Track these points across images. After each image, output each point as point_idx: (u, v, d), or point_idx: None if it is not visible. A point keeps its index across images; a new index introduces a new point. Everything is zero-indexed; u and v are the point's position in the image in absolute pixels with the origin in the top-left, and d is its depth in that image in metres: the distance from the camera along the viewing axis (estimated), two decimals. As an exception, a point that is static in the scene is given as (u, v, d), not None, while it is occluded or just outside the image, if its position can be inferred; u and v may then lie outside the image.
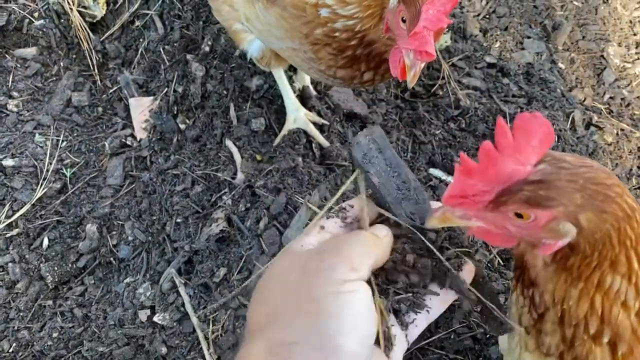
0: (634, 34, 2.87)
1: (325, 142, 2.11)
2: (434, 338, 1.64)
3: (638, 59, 2.84)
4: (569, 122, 2.39)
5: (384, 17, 1.43)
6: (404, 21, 1.35)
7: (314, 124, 2.13)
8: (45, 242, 2.08)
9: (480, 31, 2.67)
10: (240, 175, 1.94)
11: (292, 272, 0.86)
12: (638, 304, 0.85)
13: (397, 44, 1.42)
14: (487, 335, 1.62)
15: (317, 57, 1.59)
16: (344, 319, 0.78)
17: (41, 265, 2.02)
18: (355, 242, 0.88)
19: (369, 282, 0.86)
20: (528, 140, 0.78)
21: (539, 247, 0.86)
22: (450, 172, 2.16)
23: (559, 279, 0.87)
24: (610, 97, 2.71)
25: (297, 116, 2.10)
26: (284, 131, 2.09)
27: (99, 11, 2.43)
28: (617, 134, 2.48)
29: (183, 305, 1.82)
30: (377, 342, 0.87)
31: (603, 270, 0.83)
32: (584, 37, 2.88)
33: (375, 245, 0.90)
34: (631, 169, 2.40)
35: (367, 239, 0.89)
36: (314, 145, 2.12)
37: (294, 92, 2.17)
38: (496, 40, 2.63)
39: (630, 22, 2.90)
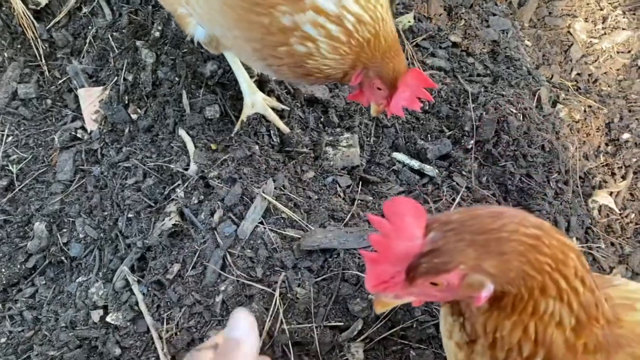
0: (600, 9, 2.82)
1: (285, 128, 2.03)
2: (396, 328, 1.58)
3: (605, 34, 2.80)
4: (535, 100, 2.33)
5: (355, 68, 1.51)
6: (379, 89, 1.54)
7: (274, 109, 2.05)
8: (-8, 243, 1.98)
9: (444, 10, 2.59)
10: (193, 166, 1.85)
11: None
12: (574, 319, 0.88)
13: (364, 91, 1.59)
14: (450, 323, 1.57)
15: (271, 63, 1.57)
16: None
17: (-12, 267, 1.92)
18: None
19: None
20: (403, 221, 0.84)
21: (472, 301, 0.90)
22: (413, 155, 2.10)
23: (491, 315, 0.91)
24: (578, 74, 2.67)
25: (255, 100, 2.01)
26: (243, 117, 2.00)
27: (43, -2, 2.30)
28: (585, 110, 2.44)
29: (137, 304, 1.73)
30: None
31: (535, 298, 0.86)
32: (550, 13, 2.83)
33: None
34: (599, 146, 2.36)
35: None
36: (272, 132, 2.04)
37: (251, 76, 2.08)
38: (461, 19, 2.56)
39: (597, -4, 2.85)
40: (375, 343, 1.57)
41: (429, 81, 1.52)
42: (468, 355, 0.98)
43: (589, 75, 2.66)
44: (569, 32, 2.79)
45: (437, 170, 2.02)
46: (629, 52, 2.75)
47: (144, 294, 1.74)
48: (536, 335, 0.88)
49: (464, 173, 2.01)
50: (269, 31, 1.45)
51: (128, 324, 1.73)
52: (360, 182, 2.00)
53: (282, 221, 1.72)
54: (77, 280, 1.88)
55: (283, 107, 2.09)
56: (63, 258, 1.94)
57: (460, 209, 0.89)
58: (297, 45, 1.46)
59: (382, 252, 0.86)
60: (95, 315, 1.78)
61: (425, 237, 0.83)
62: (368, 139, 2.14)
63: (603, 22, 2.82)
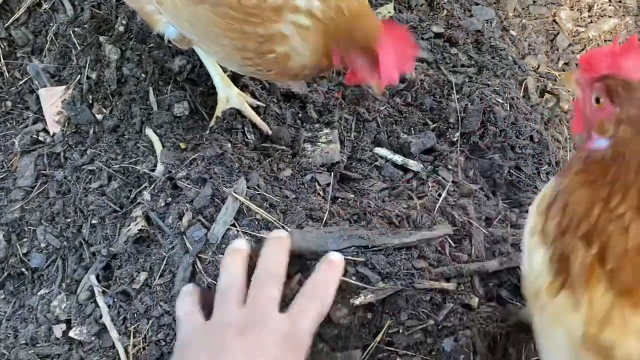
0: (586, -4, 2.75)
1: (263, 125, 1.93)
2: (381, 334, 1.47)
3: (591, 22, 2.73)
4: (522, 90, 2.24)
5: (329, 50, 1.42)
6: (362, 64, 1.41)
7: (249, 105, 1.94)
8: (-54, 255, 1.84)
9: (425, 0, 2.50)
10: (160, 167, 1.73)
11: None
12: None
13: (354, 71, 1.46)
14: (439, 327, 1.45)
15: (261, 69, 1.52)
16: None
17: (-59, 282, 1.78)
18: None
19: None
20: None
21: (589, 139, 0.97)
22: (397, 150, 1.99)
23: (579, 175, 0.94)
24: (565, 63, 2.59)
25: (230, 95, 1.90)
26: (218, 112, 1.89)
27: (1, -6, 2.17)
28: (573, 100, 2.35)
29: (101, 317, 1.60)
30: None
31: (615, 189, 0.86)
32: (534, 2, 2.75)
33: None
34: (589, 137, 2.27)
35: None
36: (246, 128, 1.92)
37: (225, 70, 1.96)
38: (443, 9, 2.47)
39: (582, -17, 2.77)
40: (360, 350, 1.46)
41: (407, 35, 1.39)
42: (544, 223, 1.00)
43: (576, 64, 2.58)
44: (554, 21, 2.71)
45: (421, 165, 1.92)
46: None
47: (109, 305, 1.61)
48: (598, 219, 0.88)
49: (449, 167, 1.91)
50: (264, 40, 1.41)
51: (93, 338, 1.60)
52: (341, 179, 1.89)
53: (257, 223, 1.60)
54: (38, 293, 1.75)
55: (258, 103, 1.98)
56: (23, 269, 1.80)
57: None
58: (279, 48, 1.42)
59: (616, 53, 0.94)
60: (58, 330, 1.65)
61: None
62: (348, 134, 2.03)
63: (589, 11, 2.75)
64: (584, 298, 0.89)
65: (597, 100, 0.94)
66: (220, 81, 1.90)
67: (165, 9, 1.52)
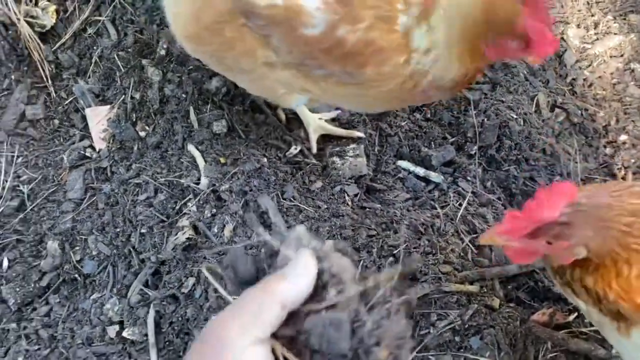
0: (592, 15, 2.89)
1: (354, 134, 2.14)
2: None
3: (597, 39, 2.86)
4: (534, 105, 2.39)
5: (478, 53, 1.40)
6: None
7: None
8: (5, 262, 1.99)
9: (441, 20, 2.65)
10: (204, 180, 1.88)
11: (198, 340, 0.78)
12: None
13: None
14: (466, 326, 1.60)
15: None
16: None
17: (2, 287, 1.93)
18: (254, 297, 0.75)
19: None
20: (553, 200, 1.15)
21: (561, 260, 1.22)
22: (418, 163, 2.14)
23: (575, 268, 1.21)
24: (573, 79, 2.73)
25: (318, 125, 2.11)
26: (314, 142, 2.10)
27: (49, 20, 2.33)
28: (582, 114, 2.49)
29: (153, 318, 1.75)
30: None
31: (618, 267, 1.14)
32: (543, 20, 2.89)
33: (270, 294, 0.75)
34: (598, 148, 2.41)
35: (270, 287, 0.76)
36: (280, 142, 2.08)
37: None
38: (457, 28, 2.62)
39: (587, 3, 2.92)
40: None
41: (544, 7, 1.30)
42: (572, 289, 1.25)
43: (584, 79, 2.72)
44: (562, 38, 2.85)
45: (442, 177, 2.06)
46: (622, 56, 2.81)
47: (157, 310, 1.76)
48: (619, 287, 1.15)
49: (468, 178, 2.05)
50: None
51: (144, 338, 1.75)
52: (367, 191, 2.04)
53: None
54: (91, 297, 1.90)
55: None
56: (77, 275, 1.95)
57: (588, 189, 1.26)
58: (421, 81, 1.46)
59: (528, 214, 1.16)
60: (112, 331, 1.80)
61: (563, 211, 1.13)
62: (373, 148, 2.18)
63: (595, 28, 2.89)
64: None
65: (548, 242, 1.16)
66: (308, 116, 2.10)
67: (314, 93, 1.65)
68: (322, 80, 1.54)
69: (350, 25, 1.39)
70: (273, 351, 0.75)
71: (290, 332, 0.78)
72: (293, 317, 0.78)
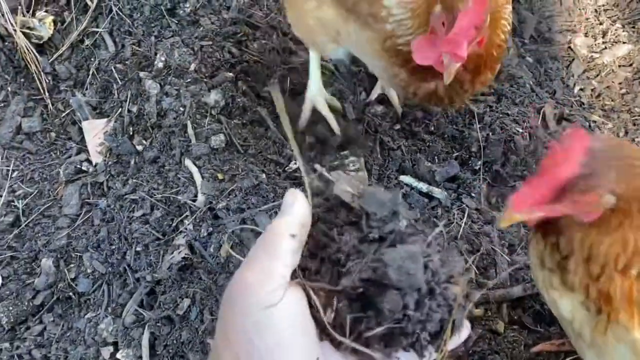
0: (600, 23, 2.83)
1: (336, 127, 2.09)
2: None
3: (605, 48, 2.80)
4: (540, 118, 2.33)
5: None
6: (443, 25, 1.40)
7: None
8: (-1, 280, 1.96)
9: (445, 29, 2.60)
10: (200, 198, 1.84)
11: (222, 306, 0.81)
12: None
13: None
14: (469, 352, 1.54)
15: (394, 74, 1.62)
16: (270, 350, 0.72)
17: (-5, 306, 1.90)
18: (261, 242, 0.80)
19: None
20: (569, 152, 1.00)
21: (585, 216, 1.05)
22: (421, 178, 2.08)
23: (589, 232, 1.05)
24: (581, 89, 2.67)
25: (316, 97, 2.09)
26: (305, 110, 2.08)
27: (46, 32, 2.30)
28: (590, 126, 2.43)
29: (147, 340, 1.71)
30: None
31: None
32: (550, 29, 2.84)
33: (274, 233, 0.79)
34: (606, 162, 2.35)
35: (272, 228, 0.80)
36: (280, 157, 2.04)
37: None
38: (462, 38, 2.56)
39: (596, 11, 2.86)
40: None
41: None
42: (562, 277, 1.12)
43: (592, 90, 2.66)
44: (569, 47, 2.79)
45: (445, 193, 2.01)
46: (631, 65, 2.75)
47: (151, 332, 1.72)
48: (636, 247, 1.02)
49: (473, 194, 2.00)
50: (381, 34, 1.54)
51: (139, 360, 1.71)
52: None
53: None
54: (85, 317, 1.86)
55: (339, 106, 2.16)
56: (71, 294, 1.91)
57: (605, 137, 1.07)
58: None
59: (546, 176, 1.01)
60: (106, 352, 1.76)
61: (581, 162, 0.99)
62: (375, 162, 2.13)
63: (603, 37, 2.83)
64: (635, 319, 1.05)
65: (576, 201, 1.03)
66: (315, 84, 2.08)
67: (342, 38, 1.72)
68: (353, 21, 1.60)
69: None
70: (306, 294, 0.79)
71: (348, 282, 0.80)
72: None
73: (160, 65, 2.13)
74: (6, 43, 2.29)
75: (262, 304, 0.73)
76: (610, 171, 0.99)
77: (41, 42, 2.31)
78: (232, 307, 0.76)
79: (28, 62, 2.28)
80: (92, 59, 2.28)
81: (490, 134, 2.11)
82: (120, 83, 2.18)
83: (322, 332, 0.80)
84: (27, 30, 2.28)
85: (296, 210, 0.82)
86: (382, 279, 0.79)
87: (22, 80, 2.33)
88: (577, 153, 0.99)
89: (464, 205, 1.96)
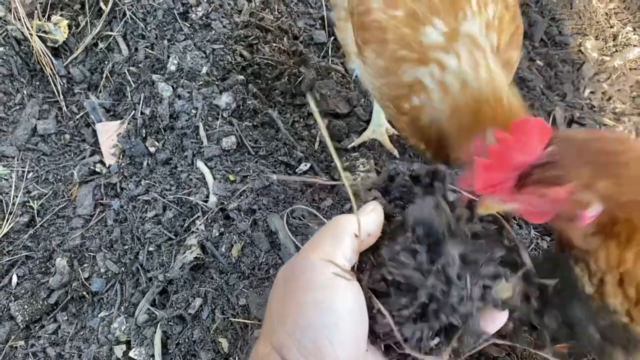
0: (610, 27, 2.83)
1: (394, 151, 2.18)
2: None
3: (616, 51, 2.80)
4: (551, 121, 2.33)
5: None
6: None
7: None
8: (14, 279, 1.98)
9: (454, 32, 2.61)
10: (212, 198, 1.86)
11: (279, 281, 0.83)
12: None
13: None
14: None
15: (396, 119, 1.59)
16: (325, 327, 0.74)
17: (10, 304, 1.92)
18: (327, 230, 0.83)
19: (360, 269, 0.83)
20: (526, 136, 0.88)
21: (575, 220, 0.92)
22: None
23: (609, 247, 0.93)
24: (591, 92, 2.67)
25: (377, 129, 2.18)
26: (364, 137, 2.17)
27: (61, 35, 2.34)
28: (600, 129, 2.43)
29: (160, 339, 1.73)
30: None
31: None
32: (560, 32, 2.84)
33: (341, 228, 0.82)
34: (616, 165, 2.34)
35: (340, 222, 0.83)
36: (290, 159, 2.06)
37: None
38: (471, 41, 2.57)
39: (606, 14, 2.86)
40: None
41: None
42: (601, 302, 1.00)
43: (603, 93, 2.66)
44: (579, 50, 2.79)
45: (455, 195, 2.01)
46: (642, 68, 2.74)
47: (163, 331, 1.74)
48: None
49: (482, 197, 2.00)
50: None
51: (151, 359, 1.73)
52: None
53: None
54: (99, 315, 1.88)
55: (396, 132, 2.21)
56: (85, 293, 1.94)
57: (586, 130, 0.93)
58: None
59: (497, 161, 0.89)
60: (119, 351, 1.78)
61: (544, 151, 0.87)
62: (384, 163, 2.14)
63: (614, 40, 2.83)
64: None
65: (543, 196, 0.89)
66: (377, 117, 2.16)
67: (361, 60, 1.61)
68: (370, 46, 1.49)
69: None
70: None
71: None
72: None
73: (173, 68, 2.16)
74: (22, 47, 2.33)
75: (325, 284, 0.76)
76: (582, 166, 0.84)
77: (56, 45, 2.35)
78: (293, 282, 0.79)
79: (43, 65, 2.32)
80: (106, 62, 2.31)
81: (500, 136, 2.11)
82: (133, 86, 2.21)
83: (372, 333, 0.83)
84: (43, 34, 2.32)
85: (370, 217, 0.86)
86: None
87: (37, 83, 2.37)
88: (534, 141, 0.87)
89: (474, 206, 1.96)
